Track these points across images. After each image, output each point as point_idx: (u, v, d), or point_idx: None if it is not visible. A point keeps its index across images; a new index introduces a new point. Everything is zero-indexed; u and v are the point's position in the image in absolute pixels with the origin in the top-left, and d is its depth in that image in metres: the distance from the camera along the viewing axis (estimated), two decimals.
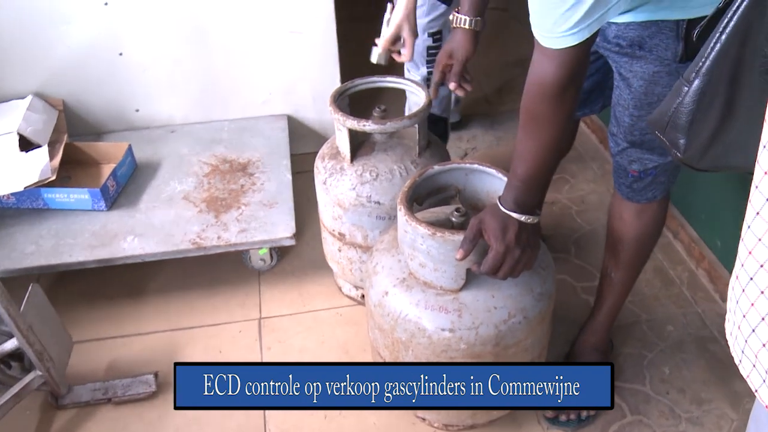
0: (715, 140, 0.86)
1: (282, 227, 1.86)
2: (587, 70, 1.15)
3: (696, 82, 0.83)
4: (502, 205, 1.22)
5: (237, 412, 1.61)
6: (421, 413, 1.52)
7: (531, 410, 1.60)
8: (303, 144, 2.41)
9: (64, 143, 1.98)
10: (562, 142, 1.17)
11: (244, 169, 2.10)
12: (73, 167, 2.05)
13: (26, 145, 1.92)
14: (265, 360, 1.75)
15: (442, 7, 1.82)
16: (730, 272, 1.93)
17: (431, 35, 1.86)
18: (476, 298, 1.31)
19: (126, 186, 2.00)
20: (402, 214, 1.32)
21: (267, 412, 1.62)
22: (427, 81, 1.94)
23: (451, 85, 1.58)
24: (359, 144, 1.70)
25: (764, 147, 0.64)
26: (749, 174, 0.97)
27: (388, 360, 1.45)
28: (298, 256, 2.05)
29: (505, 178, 1.39)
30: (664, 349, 1.74)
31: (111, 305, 1.90)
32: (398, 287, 1.37)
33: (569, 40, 1.00)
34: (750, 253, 0.67)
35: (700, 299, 1.87)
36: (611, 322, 1.65)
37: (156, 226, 1.86)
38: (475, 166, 1.45)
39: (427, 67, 1.93)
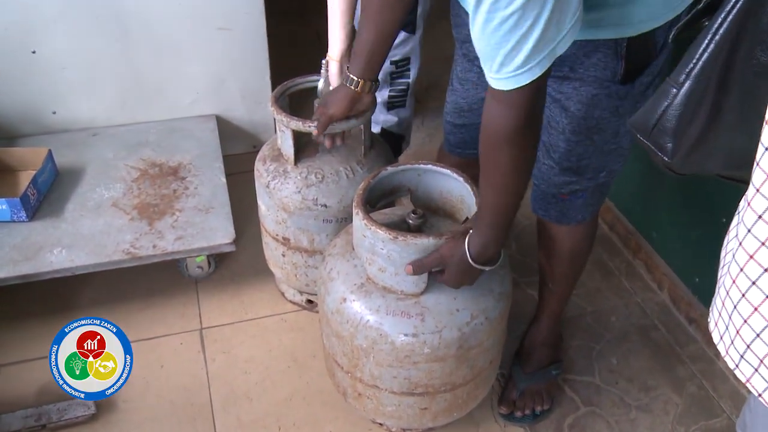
0: (700, 144, 0.85)
1: (221, 233, 1.79)
2: (544, 107, 1.08)
3: (687, 84, 0.82)
4: (471, 256, 1.19)
5: None
6: (379, 419, 1.49)
7: (487, 408, 1.61)
8: (233, 145, 2.32)
9: None
10: (528, 181, 1.13)
11: (175, 173, 2.00)
12: None
13: None
14: (210, 373, 1.68)
15: (402, 35, 1.78)
16: (666, 261, 1.98)
17: (393, 63, 1.81)
18: (438, 301, 1.29)
19: (48, 194, 1.86)
20: (360, 218, 1.29)
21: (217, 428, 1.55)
22: (386, 104, 1.91)
23: (323, 139, 1.56)
24: (302, 145, 1.65)
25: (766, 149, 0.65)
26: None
27: (346, 368, 1.41)
28: (236, 261, 1.98)
29: (460, 178, 1.39)
30: (610, 340, 1.78)
31: (38, 323, 1.76)
32: (356, 293, 1.33)
33: (521, 80, 0.93)
34: (752, 257, 0.68)
35: (639, 289, 1.92)
36: (557, 321, 1.67)
37: (85, 237, 1.74)
38: (429, 166, 1.43)
39: (389, 91, 1.90)
